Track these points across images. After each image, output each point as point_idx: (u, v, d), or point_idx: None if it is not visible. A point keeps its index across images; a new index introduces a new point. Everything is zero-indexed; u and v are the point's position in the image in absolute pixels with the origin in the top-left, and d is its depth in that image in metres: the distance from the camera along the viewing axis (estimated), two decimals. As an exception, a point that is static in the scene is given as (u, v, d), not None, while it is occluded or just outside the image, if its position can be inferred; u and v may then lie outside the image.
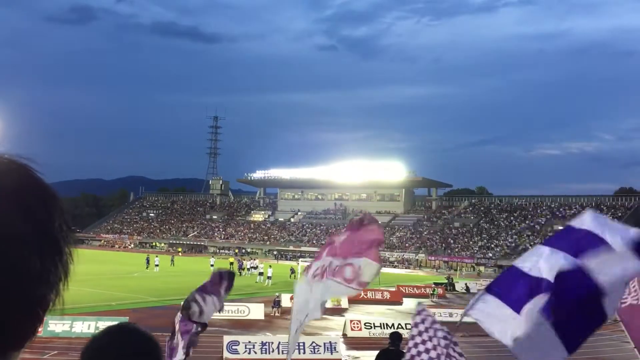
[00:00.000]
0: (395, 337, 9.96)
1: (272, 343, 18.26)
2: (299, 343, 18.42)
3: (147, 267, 52.25)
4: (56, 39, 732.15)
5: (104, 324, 19.29)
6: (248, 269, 52.46)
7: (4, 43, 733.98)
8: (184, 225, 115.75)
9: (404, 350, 3.71)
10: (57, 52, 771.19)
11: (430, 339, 3.56)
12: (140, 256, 57.42)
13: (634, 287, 4.39)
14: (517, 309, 3.04)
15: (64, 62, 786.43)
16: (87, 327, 19.46)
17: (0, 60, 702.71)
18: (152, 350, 1.34)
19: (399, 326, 22.82)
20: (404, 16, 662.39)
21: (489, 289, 3.24)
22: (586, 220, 3.05)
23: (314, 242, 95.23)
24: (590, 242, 2.93)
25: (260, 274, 46.01)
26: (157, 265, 52.65)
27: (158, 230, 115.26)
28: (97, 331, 1.36)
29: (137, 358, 1.31)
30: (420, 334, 3.58)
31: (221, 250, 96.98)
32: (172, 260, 62.12)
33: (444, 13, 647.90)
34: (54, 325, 19.62)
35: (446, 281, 49.35)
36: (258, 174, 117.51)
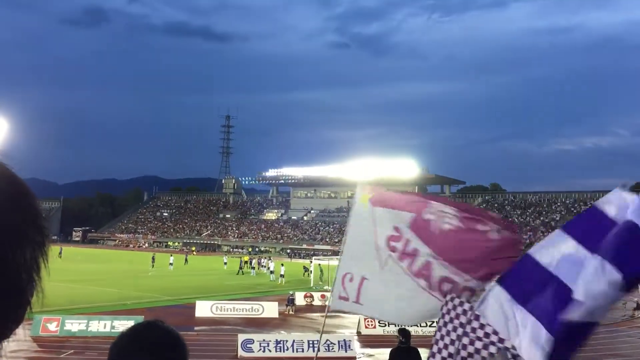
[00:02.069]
0: (406, 334, 9.94)
1: (287, 341, 18.27)
2: (311, 341, 18.43)
3: (152, 266, 52.67)
4: (70, 41, 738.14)
5: (119, 323, 19.45)
6: (262, 266, 53.14)
7: (19, 45, 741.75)
8: (198, 224, 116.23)
9: (433, 344, 3.52)
10: (71, 53, 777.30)
11: (455, 328, 3.39)
12: (158, 256, 57.84)
13: None
14: (525, 303, 2.95)
15: (78, 63, 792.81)
16: (102, 327, 19.58)
17: (15, 62, 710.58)
18: (179, 346, 1.38)
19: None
20: (415, 13, 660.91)
21: (500, 281, 3.20)
22: (626, 210, 2.81)
23: (327, 240, 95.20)
24: (623, 243, 2.67)
25: (272, 272, 46.13)
26: (171, 264, 53.11)
27: (172, 230, 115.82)
28: (112, 329, 1.38)
29: (165, 353, 1.34)
30: (446, 324, 3.45)
31: (235, 249, 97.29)
32: (186, 259, 62.51)
33: (454, 9, 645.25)
34: (70, 325, 19.76)
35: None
36: (271, 173, 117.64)
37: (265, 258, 59.29)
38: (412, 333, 10.46)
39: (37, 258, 0.80)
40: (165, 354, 1.35)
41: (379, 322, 22.84)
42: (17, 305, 0.78)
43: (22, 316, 0.80)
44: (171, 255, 57.06)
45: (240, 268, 51.48)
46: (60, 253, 58.48)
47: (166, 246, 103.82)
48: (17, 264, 0.76)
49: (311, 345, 18.19)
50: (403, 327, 10.99)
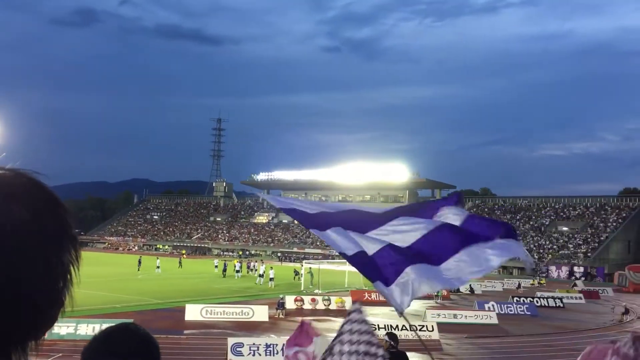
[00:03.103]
0: (394, 338, 10.02)
1: (277, 345, 18.22)
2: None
3: (138, 269, 52.33)
4: (60, 42, 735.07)
5: (108, 326, 19.31)
6: (251, 270, 53.02)
7: (7, 46, 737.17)
8: (188, 227, 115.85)
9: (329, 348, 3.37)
10: (62, 54, 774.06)
11: (352, 342, 3.22)
12: (144, 259, 57.44)
13: None
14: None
15: (69, 64, 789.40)
16: (91, 330, 19.47)
17: (5, 63, 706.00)
18: (151, 350, 1.33)
19: (404, 327, 22.78)
20: (407, 17, 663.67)
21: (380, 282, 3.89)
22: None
23: (318, 244, 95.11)
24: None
25: (261, 276, 46.02)
26: (158, 267, 52.68)
27: (162, 233, 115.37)
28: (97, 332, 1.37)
29: (136, 357, 1.30)
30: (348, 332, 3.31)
31: (225, 252, 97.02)
32: (180, 263, 62.15)
33: (446, 14, 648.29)
34: (59, 328, 19.61)
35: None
36: (261, 176, 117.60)
37: (255, 262, 59.14)
38: (402, 338, 10.51)
39: (70, 264, 0.91)
40: (136, 358, 1.30)
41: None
42: (54, 306, 0.89)
43: (57, 316, 0.91)
44: (157, 258, 56.75)
45: (224, 271, 51.55)
46: None
47: (156, 249, 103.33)
48: (57, 268, 0.88)
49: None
50: (391, 331, 11.08)
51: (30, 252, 0.84)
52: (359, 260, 3.90)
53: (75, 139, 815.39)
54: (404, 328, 22.71)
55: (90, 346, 1.32)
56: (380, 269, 3.82)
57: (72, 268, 0.92)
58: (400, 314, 3.71)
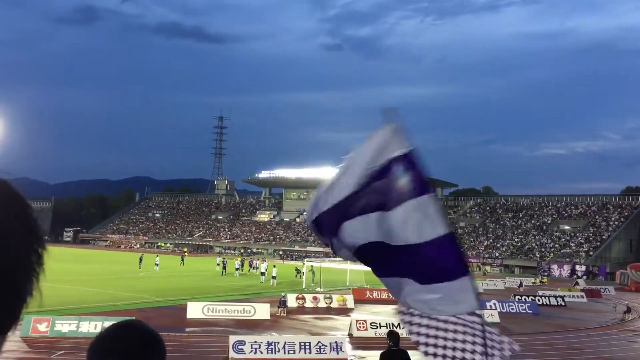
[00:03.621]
0: (395, 337, 9.97)
1: (278, 343, 18.23)
2: (303, 343, 18.42)
3: (139, 267, 52.43)
4: (61, 39, 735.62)
5: (110, 324, 19.33)
6: (253, 268, 53.02)
7: (10, 43, 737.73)
8: (190, 225, 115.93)
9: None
10: (63, 52, 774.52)
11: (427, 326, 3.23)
12: (145, 256, 57.54)
13: None
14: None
15: (70, 62, 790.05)
16: (93, 327, 19.46)
17: (6, 60, 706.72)
18: (156, 345, 1.33)
19: (405, 326, 22.77)
20: (408, 16, 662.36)
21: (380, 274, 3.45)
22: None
23: (319, 242, 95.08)
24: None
25: (262, 273, 46.03)
26: (157, 265, 52.92)
27: (164, 231, 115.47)
28: (102, 329, 1.37)
29: (142, 353, 1.30)
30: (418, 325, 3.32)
31: (227, 251, 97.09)
32: (182, 260, 62.24)
33: (447, 12, 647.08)
34: (61, 325, 19.64)
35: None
36: (263, 174, 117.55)
37: (257, 259, 59.13)
38: (403, 336, 10.47)
39: (36, 262, 0.90)
40: (141, 354, 1.30)
41: (370, 325, 22.86)
42: (18, 305, 0.89)
43: (19, 314, 0.91)
44: (157, 256, 56.84)
45: (224, 269, 51.34)
46: None
47: (158, 247, 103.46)
48: (23, 270, 0.88)
49: (303, 347, 18.17)
50: (392, 330, 11.02)
51: (15, 248, 0.85)
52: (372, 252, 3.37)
53: (77, 137, 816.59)
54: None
55: (96, 342, 1.31)
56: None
57: (38, 268, 0.91)
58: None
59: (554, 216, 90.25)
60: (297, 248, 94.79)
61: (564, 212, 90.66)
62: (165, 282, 41.28)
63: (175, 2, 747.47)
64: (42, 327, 19.25)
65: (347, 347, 19.60)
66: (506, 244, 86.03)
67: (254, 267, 53.87)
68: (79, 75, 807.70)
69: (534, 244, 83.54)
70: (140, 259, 54.76)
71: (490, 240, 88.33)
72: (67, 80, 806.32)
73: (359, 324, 22.95)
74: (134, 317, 19.08)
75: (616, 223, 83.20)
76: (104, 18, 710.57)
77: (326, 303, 31.58)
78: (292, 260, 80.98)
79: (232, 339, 18.12)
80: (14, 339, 18.51)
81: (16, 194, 0.90)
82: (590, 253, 76.89)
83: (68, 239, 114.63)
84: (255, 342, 18.13)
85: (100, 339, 1.32)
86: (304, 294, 32.64)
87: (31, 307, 0.92)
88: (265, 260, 53.81)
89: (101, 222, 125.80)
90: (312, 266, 44.72)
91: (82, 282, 37.16)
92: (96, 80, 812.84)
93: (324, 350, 18.35)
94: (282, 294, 29.87)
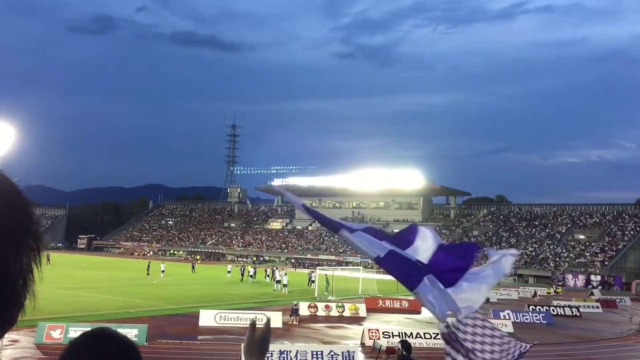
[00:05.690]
0: (407, 347, 9.93)
1: (290, 352, 18.19)
2: (315, 352, 18.35)
3: (147, 274, 52.96)
4: (77, 48, 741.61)
5: (123, 331, 19.35)
6: (269, 276, 53.46)
7: (26, 52, 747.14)
8: (202, 233, 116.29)
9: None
10: (78, 61, 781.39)
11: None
12: (153, 264, 57.95)
13: None
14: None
15: (85, 71, 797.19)
16: (106, 334, 19.53)
17: (23, 69, 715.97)
18: (131, 357, 1.24)
19: (417, 335, 22.65)
20: (421, 24, 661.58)
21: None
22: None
23: (332, 250, 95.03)
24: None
25: (277, 282, 46.08)
26: (162, 272, 53.53)
27: (177, 238, 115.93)
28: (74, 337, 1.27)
29: None
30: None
31: (239, 258, 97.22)
32: (193, 268, 62.56)
33: (460, 21, 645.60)
34: (74, 332, 19.69)
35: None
36: (276, 182, 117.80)
37: (275, 268, 59.02)
38: (416, 346, 10.43)
39: (31, 263, 0.86)
40: None
41: (382, 334, 22.74)
42: (13, 308, 0.84)
43: (16, 318, 0.87)
44: (162, 263, 57.21)
45: (242, 274, 53.37)
46: (48, 259, 58.33)
47: (171, 254, 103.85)
48: (15, 268, 0.82)
49: (315, 356, 18.11)
50: (404, 339, 10.97)
51: (6, 248, 0.81)
52: (393, 261, 3.75)
53: (91, 145, 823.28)
54: (418, 336, 22.59)
55: (66, 352, 1.22)
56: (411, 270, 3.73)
57: (33, 266, 0.87)
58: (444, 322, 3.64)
59: (569, 225, 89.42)
60: (309, 256, 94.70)
61: (578, 221, 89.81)
62: (177, 290, 41.39)
63: (189, 11, 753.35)
64: (56, 334, 19.36)
65: (360, 356, 19.51)
66: (520, 253, 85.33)
67: (269, 277, 53.48)
68: (94, 83, 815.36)
69: (548, 254, 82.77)
70: (148, 266, 55.46)
71: (504, 249, 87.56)
72: (82, 89, 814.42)
73: (372, 333, 22.84)
74: (146, 326, 19.03)
75: (632, 232, 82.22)
76: (119, 27, 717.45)
77: (338, 312, 31.48)
78: (305, 268, 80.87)
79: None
80: (27, 346, 18.64)
81: (9, 187, 0.85)
82: (606, 263, 76.02)
83: (82, 246, 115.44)
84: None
85: (70, 348, 1.23)
86: (316, 303, 32.57)
87: (27, 311, 0.88)
88: (280, 269, 54.08)
89: (115, 230, 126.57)
90: (326, 275, 44.60)
91: (96, 289, 37.35)
92: (111, 89, 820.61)
93: (336, 359, 18.27)
94: (294, 302, 29.82)
